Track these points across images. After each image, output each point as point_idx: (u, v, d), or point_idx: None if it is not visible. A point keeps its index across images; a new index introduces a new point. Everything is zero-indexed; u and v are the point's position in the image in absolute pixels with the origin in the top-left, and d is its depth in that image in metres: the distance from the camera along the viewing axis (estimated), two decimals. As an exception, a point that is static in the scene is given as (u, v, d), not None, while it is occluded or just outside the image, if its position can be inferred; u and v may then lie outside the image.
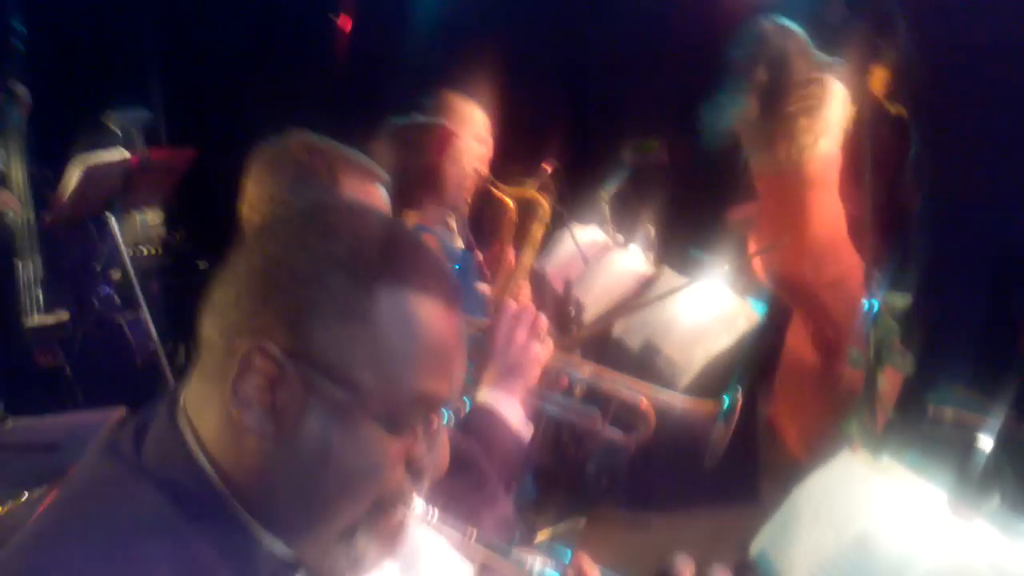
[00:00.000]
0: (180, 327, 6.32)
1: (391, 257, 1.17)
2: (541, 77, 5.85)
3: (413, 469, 1.21)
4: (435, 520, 1.33)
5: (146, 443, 1.20)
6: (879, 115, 4.31)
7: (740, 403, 2.26)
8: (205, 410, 1.19)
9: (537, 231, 3.84)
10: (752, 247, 4.60)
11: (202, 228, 6.97)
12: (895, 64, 4.26)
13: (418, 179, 3.21)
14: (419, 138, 3.26)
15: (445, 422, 1.23)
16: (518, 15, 6.55)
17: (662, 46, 5.81)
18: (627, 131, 6.01)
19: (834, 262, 4.29)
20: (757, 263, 4.55)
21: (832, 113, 4.22)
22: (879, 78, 4.44)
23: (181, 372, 5.73)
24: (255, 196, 2.00)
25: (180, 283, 6.61)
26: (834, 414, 3.91)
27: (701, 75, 5.76)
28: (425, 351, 1.17)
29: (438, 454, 1.24)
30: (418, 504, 1.28)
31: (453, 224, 3.47)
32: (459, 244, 3.46)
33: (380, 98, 5.53)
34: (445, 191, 3.28)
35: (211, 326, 1.19)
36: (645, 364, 3.66)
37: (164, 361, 5.12)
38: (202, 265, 6.62)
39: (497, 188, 3.75)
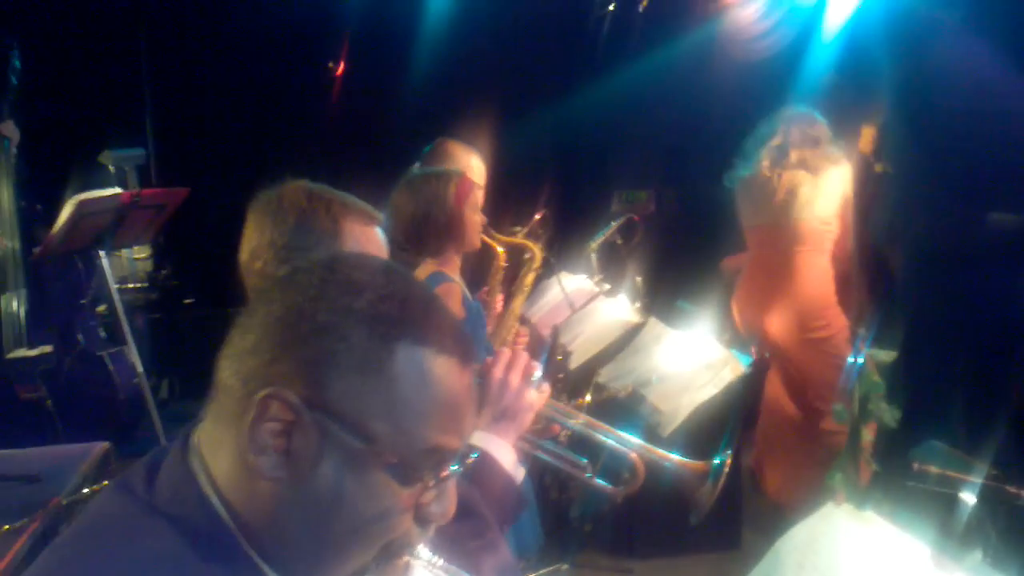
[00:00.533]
0: (164, 362, 6.33)
1: (410, 313, 1.20)
2: (533, 126, 5.91)
3: (421, 517, 1.23)
4: (440, 566, 1.34)
5: (158, 482, 1.21)
6: (866, 173, 4.39)
7: (730, 464, 2.28)
8: (219, 452, 1.21)
9: (528, 278, 3.89)
10: (740, 297, 4.65)
11: (189, 265, 7.00)
12: (881, 125, 4.34)
13: (439, 228, 3.26)
14: (440, 188, 3.29)
15: (454, 472, 1.25)
16: (511, 65, 6.64)
17: (652, 99, 5.88)
18: (616, 182, 6.11)
19: (821, 323, 4.36)
20: (740, 317, 4.59)
21: (834, 180, 4.33)
22: (867, 138, 4.53)
23: (164, 407, 5.74)
24: (256, 242, 2.00)
25: (165, 319, 6.62)
26: (816, 466, 3.92)
27: (690, 129, 5.86)
28: (438, 406, 1.20)
29: (446, 503, 1.26)
30: (423, 550, 1.30)
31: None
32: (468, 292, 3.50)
33: (375, 143, 5.60)
34: (465, 240, 3.33)
35: (229, 370, 1.20)
36: (630, 411, 3.68)
37: (147, 396, 5.10)
38: (188, 302, 6.63)
39: (490, 235, 3.80)
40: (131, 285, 6.60)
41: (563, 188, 6.02)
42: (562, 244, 4.66)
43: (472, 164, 3.82)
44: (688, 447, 3.44)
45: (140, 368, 5.16)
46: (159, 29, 7.12)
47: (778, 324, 4.43)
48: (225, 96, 6.92)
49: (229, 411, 1.19)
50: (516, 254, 4.04)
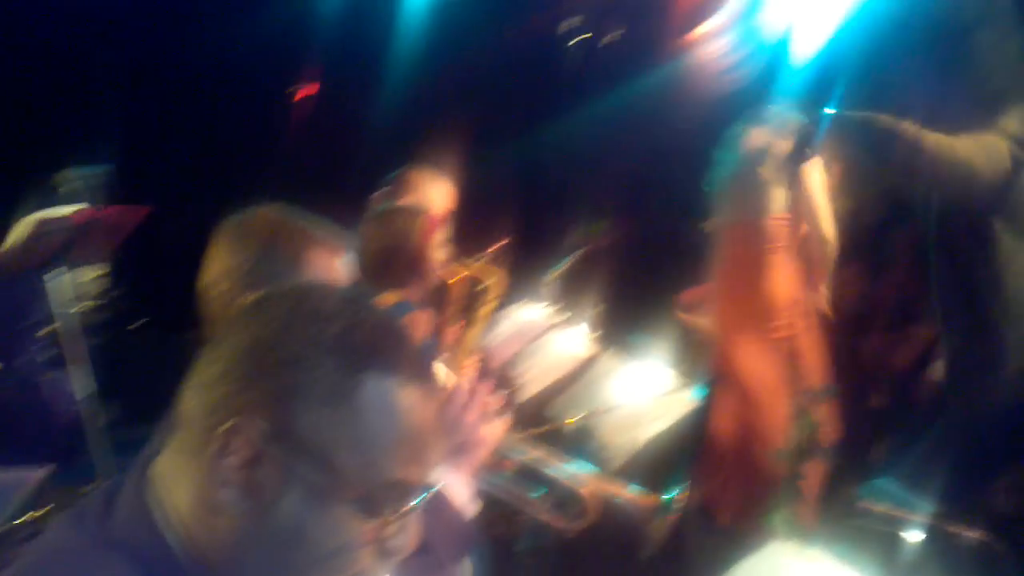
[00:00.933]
0: (112, 386, 6.23)
1: (379, 345, 1.19)
2: (495, 156, 5.92)
3: (382, 550, 1.22)
4: None
5: (114, 514, 1.19)
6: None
7: (683, 500, 2.28)
8: (179, 483, 1.19)
9: (485, 310, 3.89)
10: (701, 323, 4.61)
11: (143, 287, 6.92)
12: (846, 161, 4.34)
13: (403, 264, 3.35)
14: (405, 224, 3.39)
15: (417, 506, 1.24)
16: (476, 94, 6.66)
17: (615, 131, 5.90)
18: (576, 212, 6.11)
19: (782, 322, 4.30)
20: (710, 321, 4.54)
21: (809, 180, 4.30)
22: (833, 175, 4.55)
23: (111, 432, 5.64)
24: (217, 269, 1.99)
25: (115, 341, 6.53)
26: (763, 501, 3.90)
27: (651, 162, 5.89)
28: (404, 439, 1.19)
29: (408, 536, 1.25)
30: None
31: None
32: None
33: (341, 167, 5.58)
34: (426, 275, 3.42)
35: (193, 400, 1.19)
36: (581, 444, 3.65)
37: (93, 420, 5.01)
38: (139, 324, 6.55)
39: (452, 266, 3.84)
40: (82, 305, 6.51)
41: (523, 218, 6.02)
42: (520, 274, 4.64)
43: (440, 190, 3.86)
44: (639, 481, 3.42)
45: (87, 391, 5.08)
46: (124, 49, 7.08)
47: (739, 322, 4.39)
48: (187, 117, 6.89)
49: (191, 442, 1.18)
50: (477, 285, 4.03)
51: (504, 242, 4.65)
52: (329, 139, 6.75)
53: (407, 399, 1.18)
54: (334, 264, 2.02)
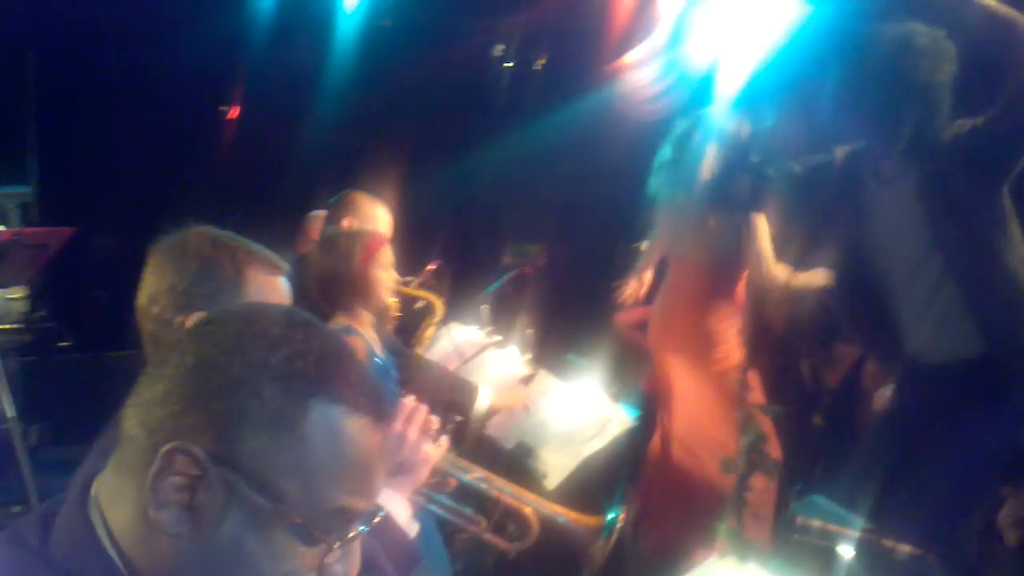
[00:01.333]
0: (36, 407, 6.08)
1: (326, 372, 1.17)
2: (428, 178, 5.94)
3: None
4: None
5: (54, 534, 1.16)
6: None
7: (623, 521, 2.31)
8: (119, 504, 1.17)
9: (428, 332, 3.93)
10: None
11: (66, 308, 6.77)
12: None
13: (347, 286, 3.36)
14: (349, 246, 3.40)
15: (360, 534, 1.22)
16: (409, 116, 6.68)
17: (546, 155, 5.97)
18: (509, 235, 6.16)
19: (722, 355, 4.39)
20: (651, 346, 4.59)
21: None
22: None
23: (35, 454, 5.51)
24: (156, 286, 1.96)
25: (39, 362, 6.37)
26: (700, 519, 3.96)
27: (582, 185, 5.96)
28: (349, 467, 1.17)
29: (350, 563, 1.23)
30: None
31: (373, 330, 3.53)
32: (379, 348, 3.51)
33: (271, 189, 5.54)
34: (372, 297, 3.41)
35: (134, 420, 1.16)
36: (518, 464, 3.67)
37: (17, 442, 4.88)
38: (63, 345, 6.39)
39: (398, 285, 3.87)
40: (3, 326, 6.36)
41: (456, 240, 6.05)
42: (454, 295, 4.66)
43: (378, 215, 3.93)
44: (575, 500, 3.45)
45: (10, 413, 4.96)
46: (47, 66, 6.95)
47: (682, 345, 4.44)
48: (115, 137, 6.77)
49: (132, 462, 1.15)
50: (408, 304, 4.05)
51: (437, 264, 4.68)
52: (258, 161, 6.70)
53: (353, 428, 1.17)
54: (273, 285, 2.01)
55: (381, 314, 3.54)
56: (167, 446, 1.11)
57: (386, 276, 3.45)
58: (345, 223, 3.84)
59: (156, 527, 1.12)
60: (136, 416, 1.16)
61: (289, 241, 4.38)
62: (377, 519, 1.26)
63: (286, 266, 2.05)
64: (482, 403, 3.81)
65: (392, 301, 3.92)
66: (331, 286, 3.36)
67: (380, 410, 1.22)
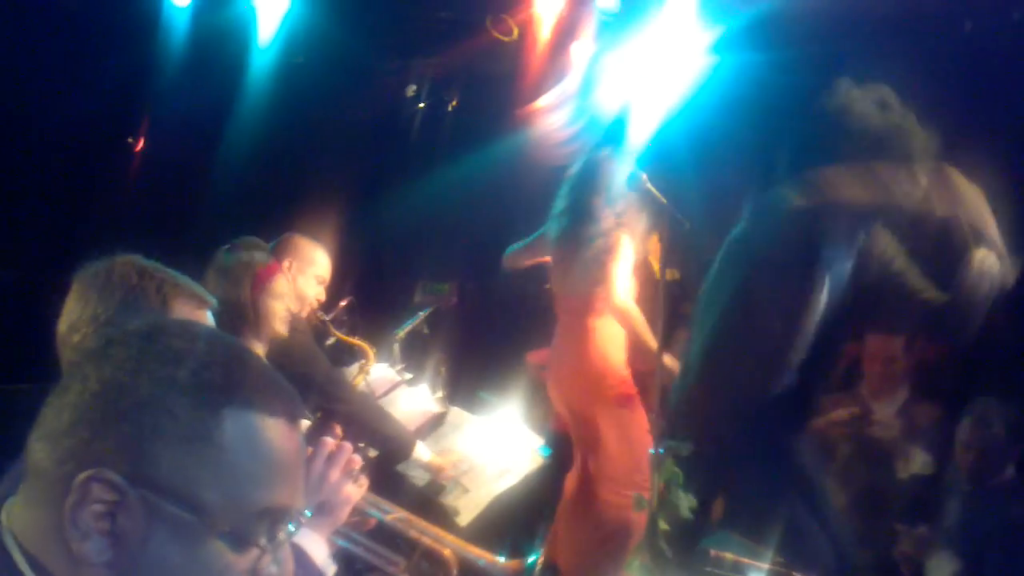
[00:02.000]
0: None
1: (235, 380, 1.16)
2: (339, 215, 5.92)
3: None
4: None
5: None
6: (654, 279, 4.60)
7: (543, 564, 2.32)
8: (35, 535, 1.14)
9: (358, 379, 3.98)
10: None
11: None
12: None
13: (238, 315, 3.32)
14: (241, 273, 3.38)
15: (290, 533, 1.22)
16: (321, 154, 6.66)
17: (458, 194, 6.00)
18: (419, 273, 6.17)
19: (613, 383, 4.45)
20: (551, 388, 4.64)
21: (622, 259, 4.46)
22: (653, 248, 4.75)
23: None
24: (77, 315, 1.92)
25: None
26: (613, 556, 3.99)
27: (493, 225, 6.01)
28: (270, 468, 1.17)
29: (283, 565, 1.22)
30: None
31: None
32: None
33: (180, 222, 5.47)
34: (263, 327, 3.38)
35: (42, 452, 1.13)
36: (429, 500, 3.68)
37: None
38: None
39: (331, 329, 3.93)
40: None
41: (368, 277, 6.03)
42: (365, 332, 4.65)
43: (316, 257, 3.99)
44: (487, 537, 3.46)
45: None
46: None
47: (575, 386, 4.50)
48: (18, 167, 6.59)
49: (44, 495, 1.13)
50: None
51: (349, 300, 4.67)
52: (166, 195, 6.59)
53: (270, 431, 1.16)
54: (197, 315, 2.00)
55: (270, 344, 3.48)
56: (82, 476, 1.08)
57: (279, 306, 3.40)
58: (286, 264, 3.84)
59: (81, 559, 1.10)
60: (43, 448, 1.13)
61: (196, 275, 4.32)
62: (304, 520, 1.25)
63: (212, 300, 2.04)
64: (417, 457, 3.81)
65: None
66: (222, 315, 3.30)
67: (293, 410, 1.22)
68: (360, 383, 4.02)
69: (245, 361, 1.21)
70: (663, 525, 3.04)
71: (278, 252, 3.90)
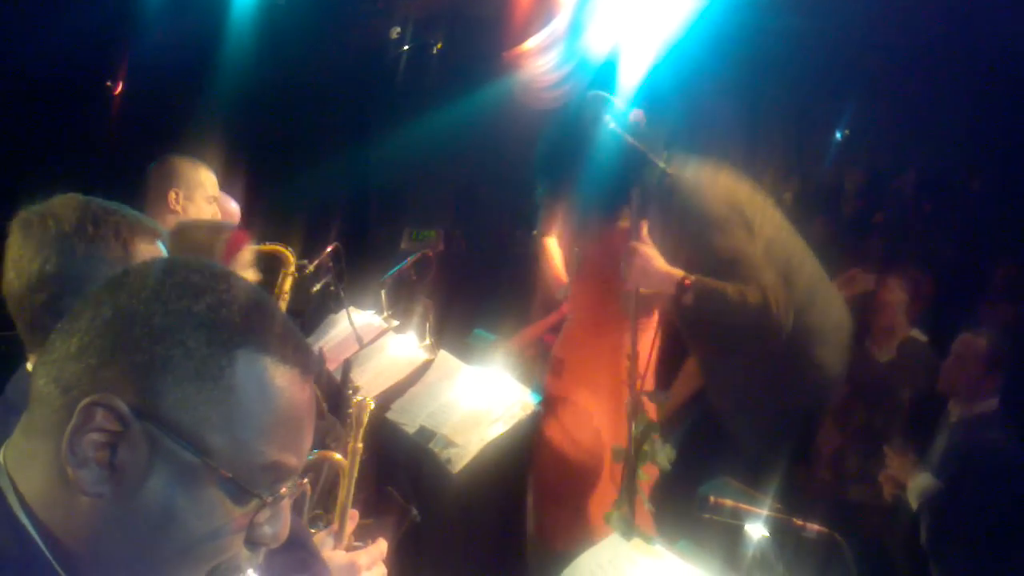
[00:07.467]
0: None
1: (252, 321, 1.13)
2: (326, 162, 5.86)
3: (253, 539, 1.16)
4: None
5: None
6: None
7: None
8: (31, 467, 1.10)
9: (286, 284, 3.73)
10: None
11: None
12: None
13: None
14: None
15: (291, 492, 1.18)
16: (307, 99, 6.57)
17: (444, 141, 5.95)
18: (406, 220, 6.11)
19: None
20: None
21: None
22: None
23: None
24: (32, 272, 1.82)
25: None
26: (597, 508, 3.96)
27: (480, 171, 5.96)
28: (279, 420, 1.13)
29: (279, 525, 1.19)
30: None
31: None
32: None
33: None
34: None
35: (46, 377, 1.10)
36: (420, 447, 3.64)
37: None
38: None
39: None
40: None
41: (354, 224, 5.99)
42: (352, 279, 4.59)
43: (202, 178, 3.68)
44: (477, 483, 3.43)
45: None
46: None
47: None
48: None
49: (45, 422, 1.09)
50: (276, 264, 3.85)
51: (334, 247, 4.59)
52: (144, 137, 6.49)
53: (282, 379, 1.13)
54: (153, 249, 1.92)
55: None
56: (85, 400, 1.06)
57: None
58: (172, 196, 3.59)
59: (75, 488, 1.07)
60: (48, 373, 1.10)
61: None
62: (304, 480, 1.23)
63: (162, 230, 1.97)
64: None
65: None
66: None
67: (307, 362, 1.19)
68: (287, 288, 3.73)
69: (264, 306, 1.18)
70: (641, 476, 3.03)
71: (156, 180, 3.65)
